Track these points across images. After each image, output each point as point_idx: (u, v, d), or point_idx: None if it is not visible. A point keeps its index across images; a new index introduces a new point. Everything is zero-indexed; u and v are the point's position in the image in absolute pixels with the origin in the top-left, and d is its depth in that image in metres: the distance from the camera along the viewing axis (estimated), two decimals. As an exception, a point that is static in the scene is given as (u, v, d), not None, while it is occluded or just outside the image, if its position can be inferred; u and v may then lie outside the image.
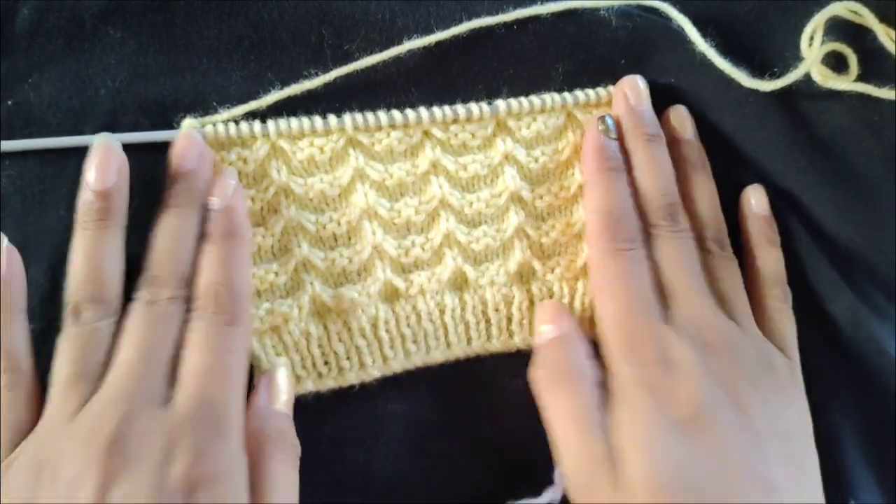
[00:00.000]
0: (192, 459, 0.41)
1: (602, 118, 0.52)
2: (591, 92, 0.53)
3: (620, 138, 0.52)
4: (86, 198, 0.46)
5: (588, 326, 0.53)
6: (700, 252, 0.52)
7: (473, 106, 0.52)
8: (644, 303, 0.49)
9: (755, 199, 0.54)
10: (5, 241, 0.47)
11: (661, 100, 0.54)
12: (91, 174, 0.46)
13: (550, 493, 0.52)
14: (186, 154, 0.48)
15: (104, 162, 0.46)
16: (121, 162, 0.47)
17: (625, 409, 0.47)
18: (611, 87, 0.54)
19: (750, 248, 0.54)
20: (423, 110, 0.51)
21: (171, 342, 0.44)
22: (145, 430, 0.41)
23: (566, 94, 0.53)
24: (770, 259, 0.53)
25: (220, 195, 0.48)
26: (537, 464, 0.53)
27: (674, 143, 0.53)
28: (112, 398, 0.42)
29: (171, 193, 0.47)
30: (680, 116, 0.54)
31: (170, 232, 0.46)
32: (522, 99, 0.53)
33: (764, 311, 0.52)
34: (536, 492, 0.52)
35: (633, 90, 0.53)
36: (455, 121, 0.52)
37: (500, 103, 0.52)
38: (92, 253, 0.46)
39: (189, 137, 0.49)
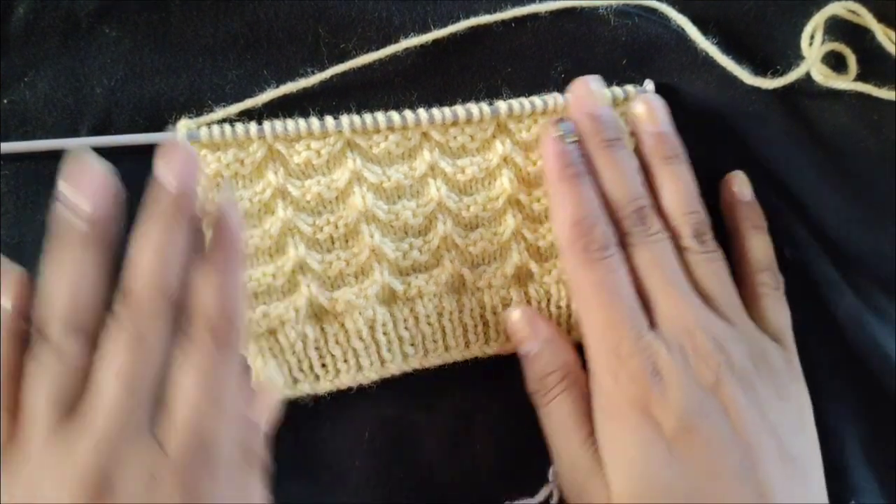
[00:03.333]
0: (182, 500, 0.40)
1: (557, 122, 0.52)
2: None
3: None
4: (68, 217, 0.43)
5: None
6: (679, 250, 0.51)
7: (473, 107, 0.53)
8: (626, 313, 0.48)
9: (737, 187, 0.54)
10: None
11: (665, 100, 0.54)
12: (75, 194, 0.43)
13: (544, 492, 0.53)
14: (174, 163, 0.44)
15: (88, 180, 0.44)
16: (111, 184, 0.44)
17: (610, 425, 0.48)
18: (616, 88, 0.54)
19: (735, 236, 0.54)
20: (422, 112, 0.52)
21: (157, 369, 0.41)
22: (134, 469, 0.39)
23: (568, 96, 0.54)
24: (756, 245, 0.53)
25: (216, 210, 0.45)
26: (534, 463, 0.54)
27: (643, 137, 0.53)
28: (97, 434, 0.39)
29: (157, 205, 0.43)
30: (649, 108, 0.52)
31: (155, 248, 0.42)
32: (524, 100, 0.53)
33: (754, 300, 0.52)
34: (534, 491, 0.53)
35: (585, 94, 0.52)
36: (454, 123, 0.53)
37: (501, 105, 0.53)
38: (73, 276, 0.42)
39: (178, 146, 0.45)
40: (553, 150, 0.51)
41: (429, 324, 0.53)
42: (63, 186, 0.42)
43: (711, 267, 0.51)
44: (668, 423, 0.46)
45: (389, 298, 0.53)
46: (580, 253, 0.49)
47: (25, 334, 0.42)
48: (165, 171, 0.44)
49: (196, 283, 0.43)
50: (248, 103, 0.51)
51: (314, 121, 0.51)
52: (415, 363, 0.53)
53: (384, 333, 0.53)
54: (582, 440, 0.49)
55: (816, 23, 0.53)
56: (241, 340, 0.44)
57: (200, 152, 0.50)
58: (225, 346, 0.42)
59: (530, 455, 0.54)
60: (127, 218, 0.50)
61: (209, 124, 0.51)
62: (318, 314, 0.52)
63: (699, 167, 0.55)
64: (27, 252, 0.50)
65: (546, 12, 0.53)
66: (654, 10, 0.55)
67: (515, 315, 0.53)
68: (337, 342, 0.53)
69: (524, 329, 0.52)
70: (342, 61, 0.52)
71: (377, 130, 0.52)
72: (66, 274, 0.42)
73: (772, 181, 0.55)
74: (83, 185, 0.42)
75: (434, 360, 0.54)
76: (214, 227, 0.44)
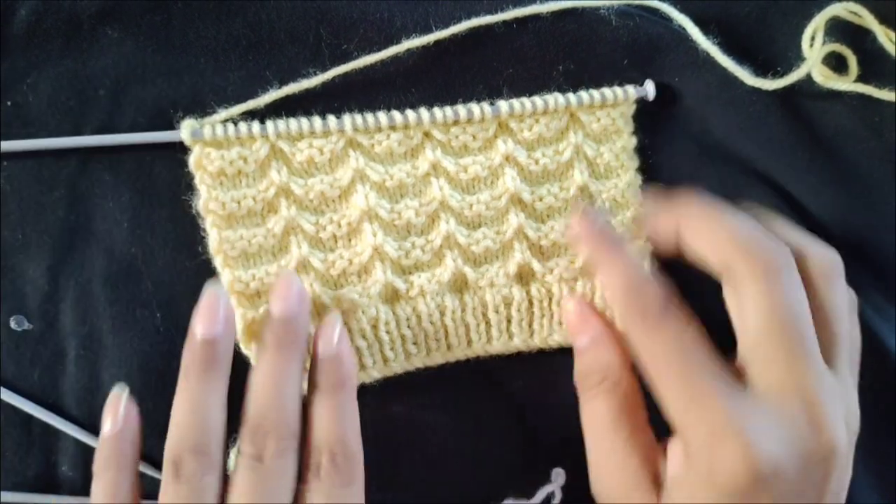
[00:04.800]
0: None
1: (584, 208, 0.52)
2: (595, 93, 0.54)
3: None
4: (191, 346, 0.46)
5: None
6: None
7: (475, 107, 0.53)
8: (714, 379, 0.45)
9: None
10: (125, 393, 0.48)
11: (667, 100, 0.55)
12: (198, 322, 0.46)
13: (542, 494, 0.53)
14: (287, 296, 0.47)
15: (212, 311, 0.46)
16: (228, 311, 0.47)
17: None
18: (616, 88, 0.54)
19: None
20: (423, 111, 0.52)
21: (285, 497, 0.44)
22: None
23: (570, 95, 0.54)
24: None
25: (327, 342, 0.48)
26: (537, 462, 0.55)
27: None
28: None
29: (271, 338, 0.46)
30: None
31: (272, 380, 0.46)
32: (525, 100, 0.53)
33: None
34: (534, 490, 0.54)
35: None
36: (456, 122, 0.53)
37: (503, 104, 0.53)
38: (195, 403, 0.45)
39: (287, 279, 0.48)
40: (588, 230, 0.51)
41: (431, 322, 0.54)
42: (194, 316, 0.46)
43: None
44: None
45: (392, 297, 0.54)
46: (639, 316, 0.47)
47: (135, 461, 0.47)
48: (281, 303, 0.47)
49: (312, 411, 0.46)
50: (251, 104, 0.51)
51: (316, 119, 0.51)
52: (417, 362, 0.54)
53: (387, 332, 0.53)
54: (622, 441, 0.48)
55: (817, 24, 0.53)
56: (360, 471, 0.46)
57: (204, 150, 0.50)
58: (345, 477, 0.45)
59: (536, 452, 0.55)
60: (130, 218, 0.52)
61: (213, 124, 0.51)
62: (321, 312, 0.53)
63: (699, 168, 0.56)
64: (30, 252, 0.51)
65: (547, 13, 0.54)
66: (655, 11, 0.55)
67: (569, 306, 0.53)
68: (340, 341, 0.53)
69: (575, 322, 0.53)
70: (344, 62, 0.52)
71: (379, 129, 0.52)
72: (188, 399, 0.45)
73: (772, 182, 0.56)
74: (209, 314, 0.46)
75: (437, 359, 0.54)
76: (325, 355, 0.47)
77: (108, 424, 0.46)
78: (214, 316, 0.46)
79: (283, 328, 0.47)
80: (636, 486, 0.47)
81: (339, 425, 0.46)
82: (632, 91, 0.55)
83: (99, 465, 0.46)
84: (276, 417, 0.45)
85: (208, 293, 0.46)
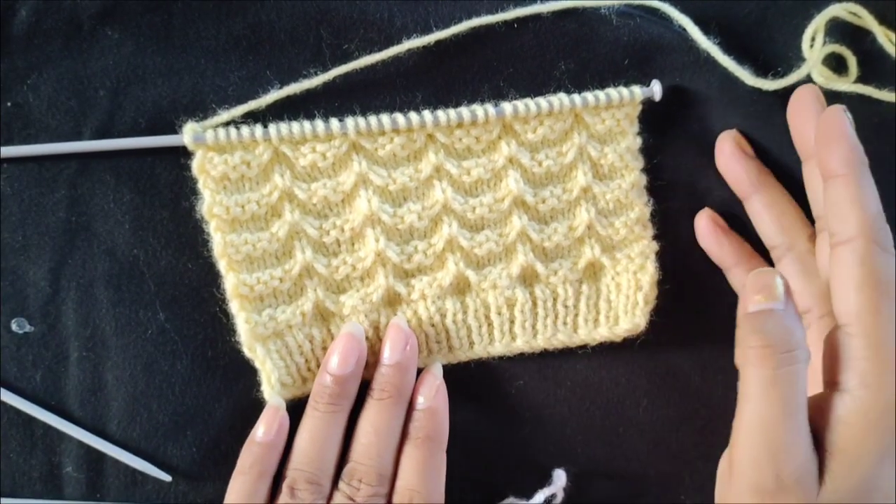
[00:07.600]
0: None
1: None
2: (601, 94, 0.54)
3: None
4: (323, 380, 0.51)
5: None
6: None
7: (479, 109, 0.53)
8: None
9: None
10: (283, 407, 0.52)
11: (668, 100, 0.56)
12: (334, 359, 0.51)
13: (545, 493, 0.54)
14: (396, 346, 0.52)
15: (348, 350, 0.51)
16: (361, 352, 0.52)
17: None
18: (622, 89, 0.55)
19: None
20: (427, 114, 0.53)
21: None
22: None
23: (575, 97, 0.54)
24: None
25: (426, 395, 0.52)
26: (537, 464, 0.56)
27: None
28: None
29: (379, 387, 0.52)
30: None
31: (375, 429, 0.51)
32: (530, 101, 0.54)
33: None
34: (534, 491, 0.55)
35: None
36: (460, 125, 0.53)
37: (507, 106, 0.53)
38: (318, 435, 0.51)
39: (399, 328, 0.53)
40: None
41: (432, 325, 0.54)
42: (329, 353, 0.52)
43: None
44: None
45: (393, 300, 0.54)
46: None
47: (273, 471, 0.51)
48: (390, 354, 0.52)
49: (401, 457, 0.52)
50: (252, 105, 0.52)
51: (319, 123, 0.52)
52: (419, 364, 0.54)
53: (388, 334, 0.54)
54: (803, 422, 0.45)
55: (817, 24, 0.54)
56: None
57: (206, 155, 0.51)
58: None
59: (534, 454, 0.56)
60: (132, 219, 0.52)
61: (215, 127, 0.51)
62: (325, 316, 0.54)
63: (699, 168, 0.57)
64: (31, 254, 0.52)
65: (548, 13, 0.54)
66: (655, 11, 0.55)
67: (760, 270, 0.47)
68: (342, 342, 0.54)
69: (758, 284, 0.46)
70: (344, 63, 0.52)
71: (382, 132, 0.53)
72: (312, 430, 0.51)
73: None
74: (345, 353, 0.51)
75: (438, 362, 0.55)
76: (421, 407, 0.52)
77: (261, 430, 0.51)
78: (350, 356, 0.51)
79: (390, 379, 0.52)
80: (809, 467, 0.45)
81: (422, 475, 0.51)
82: (638, 92, 0.55)
83: (244, 464, 0.51)
84: (372, 465, 0.50)
85: (347, 334, 0.52)
